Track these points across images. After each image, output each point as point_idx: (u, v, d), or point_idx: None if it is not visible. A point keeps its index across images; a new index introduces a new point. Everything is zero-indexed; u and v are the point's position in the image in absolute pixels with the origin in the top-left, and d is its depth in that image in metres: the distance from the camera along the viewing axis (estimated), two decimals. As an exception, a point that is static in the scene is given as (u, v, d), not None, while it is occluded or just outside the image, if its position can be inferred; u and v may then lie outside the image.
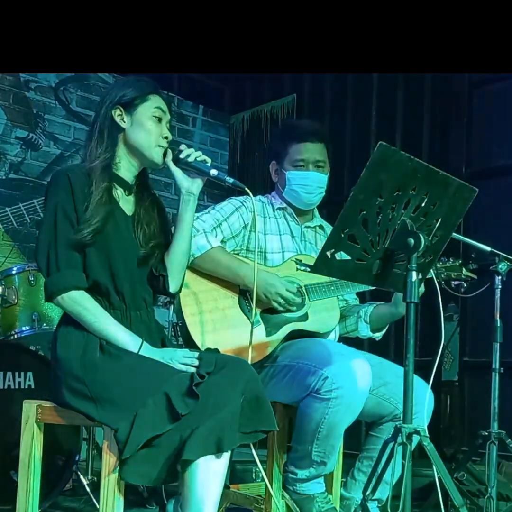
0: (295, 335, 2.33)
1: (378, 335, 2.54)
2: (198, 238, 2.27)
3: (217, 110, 5.24)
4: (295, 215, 2.53)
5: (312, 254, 2.48)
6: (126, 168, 2.05)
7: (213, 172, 2.02)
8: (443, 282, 2.37)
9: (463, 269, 2.42)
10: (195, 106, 5.09)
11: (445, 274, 2.38)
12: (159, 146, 2.02)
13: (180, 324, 2.32)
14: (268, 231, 2.47)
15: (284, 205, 2.53)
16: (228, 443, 1.71)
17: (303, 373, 2.16)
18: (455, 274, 2.40)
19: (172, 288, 2.11)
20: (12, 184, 4.12)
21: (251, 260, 2.38)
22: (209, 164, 2.04)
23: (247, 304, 2.31)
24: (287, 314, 2.32)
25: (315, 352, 2.20)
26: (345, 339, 2.52)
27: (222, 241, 2.37)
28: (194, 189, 2.06)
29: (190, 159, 2.03)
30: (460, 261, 2.43)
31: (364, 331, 2.50)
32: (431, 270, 2.22)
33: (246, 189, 2.02)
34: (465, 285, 2.44)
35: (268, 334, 2.30)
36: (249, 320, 2.27)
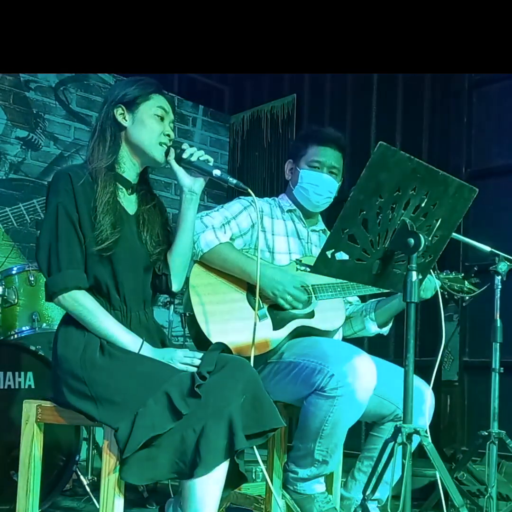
0: (300, 332, 2.34)
1: (385, 330, 2.55)
2: (207, 234, 2.29)
3: (217, 110, 5.24)
4: (302, 218, 2.55)
5: (316, 255, 2.49)
6: (129, 167, 2.04)
7: (216, 172, 2.00)
8: (446, 293, 2.39)
9: (466, 281, 2.43)
10: (195, 106, 5.09)
11: (448, 285, 2.40)
12: (161, 143, 2.01)
13: (188, 315, 2.32)
14: (276, 232, 2.48)
15: (293, 207, 2.54)
16: (238, 445, 1.72)
17: (308, 370, 2.17)
18: (458, 286, 2.42)
19: (175, 287, 2.11)
20: (12, 184, 4.12)
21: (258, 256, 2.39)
22: (211, 164, 2.03)
23: (255, 298, 2.32)
24: (294, 311, 2.33)
25: (321, 350, 2.20)
26: (345, 340, 2.52)
27: (230, 239, 2.38)
28: (196, 188, 2.06)
29: (193, 159, 2.02)
30: (462, 274, 2.45)
31: (372, 329, 2.51)
32: (434, 276, 2.24)
33: (249, 190, 2.01)
34: (467, 297, 2.45)
35: (274, 328, 2.31)
36: (255, 313, 2.28)
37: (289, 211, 2.54)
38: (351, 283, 2.33)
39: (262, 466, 1.89)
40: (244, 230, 2.44)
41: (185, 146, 2.04)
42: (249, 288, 2.34)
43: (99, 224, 1.90)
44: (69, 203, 1.91)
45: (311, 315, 2.35)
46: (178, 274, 2.11)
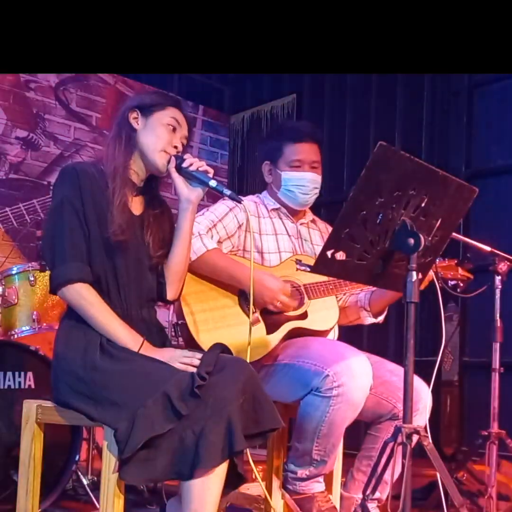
0: (295, 333, 2.34)
1: (380, 319, 2.55)
2: (194, 242, 2.26)
3: (217, 110, 5.24)
4: (289, 214, 2.54)
5: (308, 250, 2.49)
6: (135, 170, 2.06)
7: (212, 183, 2.02)
8: (440, 281, 2.37)
9: (459, 268, 2.43)
10: (195, 106, 5.09)
11: (441, 273, 2.39)
12: (165, 152, 2.02)
13: (180, 324, 2.32)
14: (263, 231, 2.47)
15: (278, 205, 2.53)
16: (237, 446, 1.72)
17: (304, 371, 2.17)
18: (451, 273, 2.41)
19: (170, 296, 2.11)
20: (12, 184, 4.12)
21: (248, 259, 2.39)
22: (210, 175, 2.04)
23: (247, 303, 2.32)
24: (287, 313, 2.33)
25: (316, 351, 2.21)
26: (344, 338, 2.52)
27: (217, 242, 2.38)
28: (193, 198, 2.05)
29: (192, 169, 2.03)
30: (456, 261, 2.44)
31: (367, 319, 2.51)
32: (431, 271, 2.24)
33: (242, 202, 2.06)
34: (461, 284, 2.45)
35: (268, 332, 2.31)
36: (249, 319, 2.28)
37: (274, 209, 2.53)
38: (343, 281, 2.33)
39: (254, 469, 1.88)
40: (231, 232, 2.42)
41: (186, 155, 2.05)
42: (240, 293, 2.34)
43: (114, 220, 1.92)
44: (75, 198, 1.93)
45: (304, 316, 2.34)
46: (173, 283, 2.10)
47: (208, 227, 2.36)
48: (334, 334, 2.48)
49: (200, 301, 2.30)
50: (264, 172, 2.56)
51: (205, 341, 2.22)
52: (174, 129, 2.04)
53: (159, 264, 2.07)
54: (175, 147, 2.04)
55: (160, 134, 2.02)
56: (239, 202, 2.05)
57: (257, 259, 2.42)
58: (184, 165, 2.03)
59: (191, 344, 2.25)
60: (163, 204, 2.15)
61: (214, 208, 2.45)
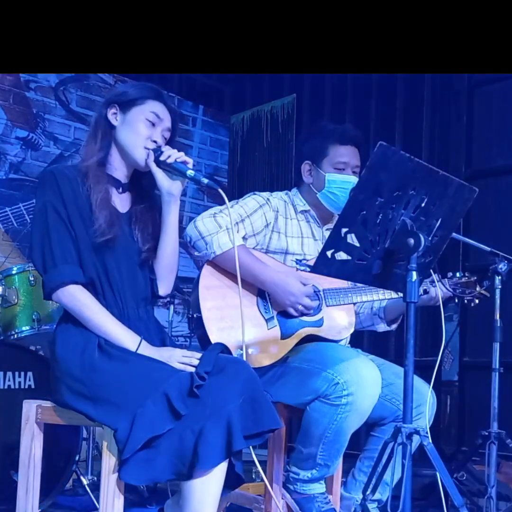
0: (308, 339, 2.31)
1: (394, 326, 2.53)
2: (221, 235, 2.22)
3: (217, 110, 5.24)
4: (317, 218, 2.50)
5: None
6: (117, 167, 2.05)
7: (190, 173, 1.98)
8: (456, 298, 2.38)
9: (477, 286, 2.41)
10: (195, 106, 5.09)
11: (459, 290, 2.38)
12: (145, 148, 2.01)
13: (196, 317, 2.26)
14: (289, 233, 2.43)
15: (308, 207, 2.48)
16: (236, 445, 1.72)
17: (313, 376, 2.15)
18: (469, 291, 2.39)
19: (162, 291, 2.10)
20: (12, 184, 4.12)
21: (273, 259, 2.37)
22: (189, 165, 2.01)
23: (265, 304, 2.30)
24: (303, 318, 2.30)
25: (327, 356, 2.18)
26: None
27: (242, 238, 2.32)
28: (174, 190, 2.03)
29: (170, 160, 1.99)
30: (475, 278, 2.41)
31: (381, 327, 2.50)
32: (446, 286, 2.25)
33: (219, 190, 1.97)
34: (476, 301, 2.43)
35: (283, 337, 2.27)
36: (265, 319, 2.27)
37: (303, 211, 2.48)
38: (362, 289, 2.30)
39: (259, 468, 1.88)
40: (258, 230, 2.36)
41: (164, 148, 2.02)
42: (260, 293, 2.30)
43: (96, 219, 1.91)
44: (57, 201, 1.92)
45: (320, 322, 2.31)
46: (163, 278, 2.09)
47: (235, 221, 2.30)
48: (345, 341, 2.45)
49: (219, 297, 2.25)
50: (303, 171, 2.48)
51: (217, 339, 2.18)
52: (153, 124, 2.02)
53: (149, 259, 2.05)
54: (155, 141, 2.02)
55: (138, 130, 2.00)
56: (217, 190, 1.97)
57: (281, 260, 2.39)
58: (162, 158, 2.00)
59: (205, 339, 2.21)
60: (153, 199, 2.12)
61: (244, 202, 2.39)
